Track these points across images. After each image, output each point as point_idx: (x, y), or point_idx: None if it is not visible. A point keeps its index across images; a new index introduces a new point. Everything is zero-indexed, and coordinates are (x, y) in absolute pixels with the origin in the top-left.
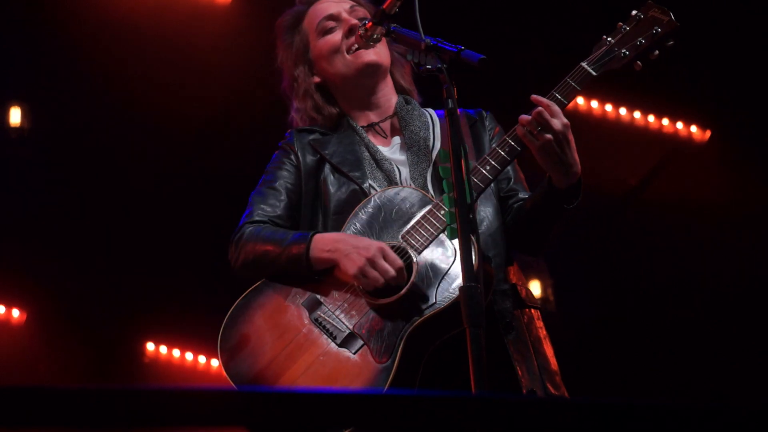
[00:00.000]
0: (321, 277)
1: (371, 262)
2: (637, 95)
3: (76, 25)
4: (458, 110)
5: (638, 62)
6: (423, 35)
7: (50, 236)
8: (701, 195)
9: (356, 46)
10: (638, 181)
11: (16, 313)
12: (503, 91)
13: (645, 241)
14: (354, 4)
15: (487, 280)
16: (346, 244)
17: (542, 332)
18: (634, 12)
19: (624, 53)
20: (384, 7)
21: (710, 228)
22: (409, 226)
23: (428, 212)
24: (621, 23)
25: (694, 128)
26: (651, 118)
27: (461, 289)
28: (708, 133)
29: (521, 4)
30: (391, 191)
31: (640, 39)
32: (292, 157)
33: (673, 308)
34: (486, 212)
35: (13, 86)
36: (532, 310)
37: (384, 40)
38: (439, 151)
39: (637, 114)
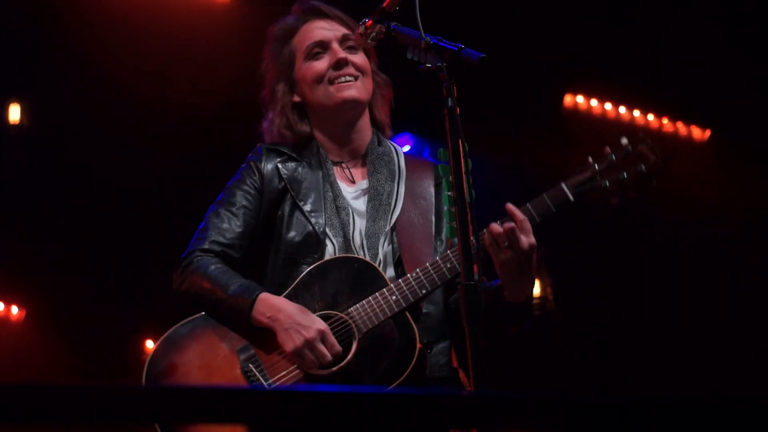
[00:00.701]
0: (262, 328)
1: (309, 344)
2: (637, 94)
3: (76, 23)
4: (424, 157)
5: (616, 198)
6: (423, 34)
7: (49, 233)
8: (701, 194)
9: (341, 78)
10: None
11: (15, 310)
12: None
13: (644, 241)
14: (348, 33)
15: (422, 370)
16: (287, 317)
17: None
18: (624, 141)
19: (605, 184)
20: (384, 5)
21: (709, 226)
22: (357, 302)
23: (380, 294)
24: (609, 149)
25: (693, 128)
26: (651, 117)
27: (460, 287)
28: (708, 133)
29: (521, 3)
30: (351, 259)
31: (624, 173)
32: (257, 178)
33: (672, 306)
34: (436, 295)
35: (12, 83)
36: None
37: (370, 71)
38: (439, 150)
39: (636, 113)
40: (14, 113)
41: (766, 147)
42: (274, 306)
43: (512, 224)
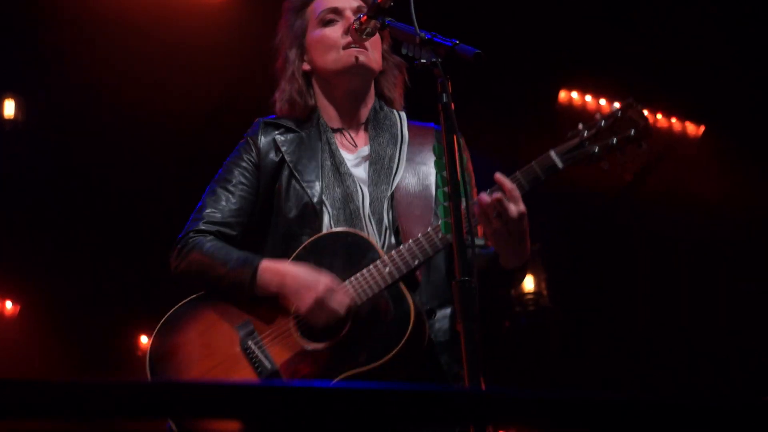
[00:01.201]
0: (262, 302)
1: (319, 302)
2: (632, 90)
3: (71, 19)
4: (428, 125)
5: (606, 162)
6: (418, 29)
7: (44, 229)
8: (695, 189)
9: (352, 44)
10: (633, 176)
11: (9, 305)
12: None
13: (639, 236)
14: (362, 5)
15: (422, 340)
16: (294, 280)
17: None
18: (614, 106)
19: (594, 150)
20: (379, 1)
21: (705, 222)
22: (352, 275)
23: (374, 266)
24: (599, 115)
25: (688, 123)
26: (645, 113)
27: (455, 283)
28: (702, 128)
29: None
30: (344, 233)
31: (613, 139)
32: (253, 153)
33: (667, 302)
34: (437, 261)
35: (7, 78)
36: None
37: (380, 48)
38: (433, 146)
39: None
40: (9, 108)
41: (760, 143)
42: (279, 272)
43: (500, 194)
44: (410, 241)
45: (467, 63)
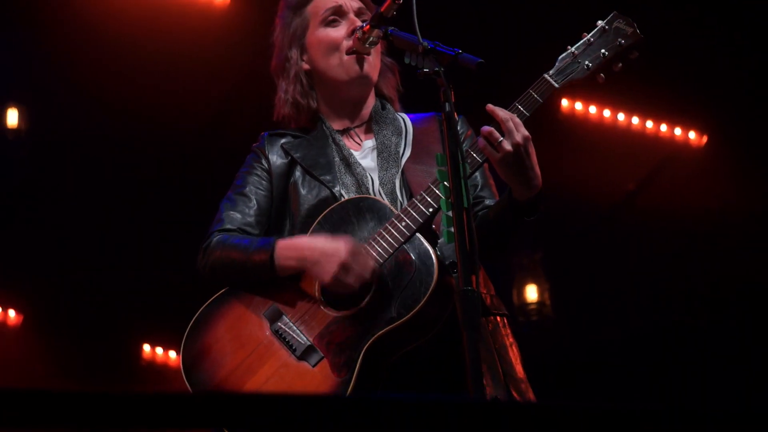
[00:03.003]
0: (283, 287)
1: (345, 268)
2: (636, 100)
3: (74, 27)
4: (428, 114)
5: (601, 74)
6: (421, 38)
7: (47, 238)
8: (698, 199)
9: (354, 48)
10: (636, 186)
11: (12, 314)
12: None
13: (642, 245)
14: (363, 8)
15: (448, 290)
16: (312, 251)
17: (508, 339)
18: (599, 22)
19: (587, 65)
20: (381, 10)
21: (707, 232)
22: (370, 236)
23: (390, 223)
24: (586, 33)
25: (691, 133)
26: (649, 123)
27: (458, 293)
28: (705, 138)
29: (518, 8)
30: (355, 199)
31: (603, 51)
32: (263, 161)
33: (670, 312)
34: None
35: (10, 88)
36: (498, 318)
37: (378, 48)
38: (436, 155)
39: (635, 119)
40: (12, 117)
41: (763, 152)
42: (296, 246)
43: (501, 118)
44: (422, 191)
45: (470, 72)
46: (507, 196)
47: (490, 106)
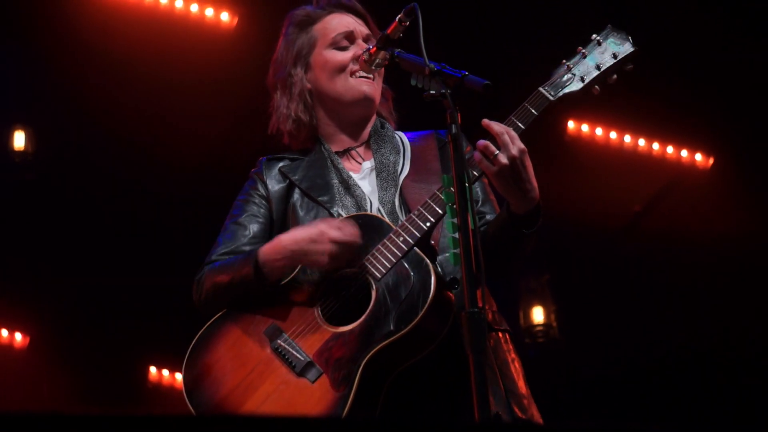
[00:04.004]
0: (283, 305)
1: (334, 242)
2: (642, 122)
3: (81, 50)
4: (427, 132)
5: (596, 87)
6: (427, 60)
7: (53, 260)
8: (705, 222)
9: (360, 72)
10: (642, 208)
11: (19, 337)
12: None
13: (648, 268)
14: (371, 34)
15: (447, 305)
16: (297, 243)
17: (510, 355)
18: (593, 36)
19: (582, 78)
20: (388, 32)
21: (713, 254)
22: (369, 252)
23: (388, 239)
24: (580, 47)
25: (698, 156)
26: (655, 145)
27: (463, 314)
28: (711, 160)
29: (524, 29)
30: (353, 216)
31: (598, 63)
32: (260, 187)
33: (676, 334)
34: None
35: (17, 110)
36: (500, 334)
37: (381, 71)
38: (443, 177)
39: (641, 141)
40: (19, 140)
41: None
42: (278, 246)
43: (496, 132)
44: (419, 206)
45: (476, 94)
46: (505, 209)
47: (485, 121)
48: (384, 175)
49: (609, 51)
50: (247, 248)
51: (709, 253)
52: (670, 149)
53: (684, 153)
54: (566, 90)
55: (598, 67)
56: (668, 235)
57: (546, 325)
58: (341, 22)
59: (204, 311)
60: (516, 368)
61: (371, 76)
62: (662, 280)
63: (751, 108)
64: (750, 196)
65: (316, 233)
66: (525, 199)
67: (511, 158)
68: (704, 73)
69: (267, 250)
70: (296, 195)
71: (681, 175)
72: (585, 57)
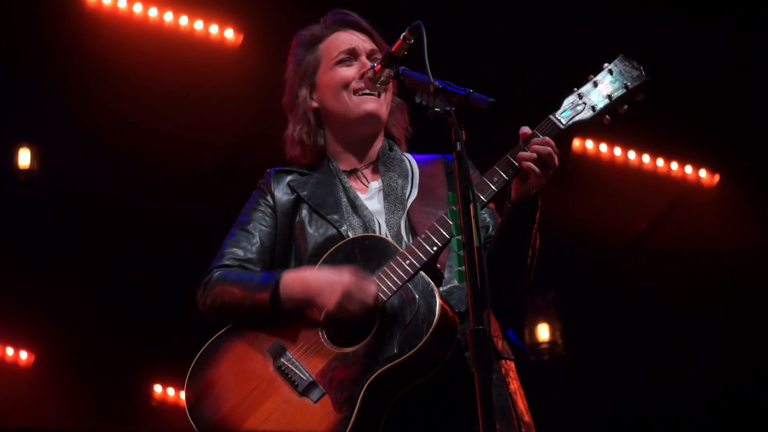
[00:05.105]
0: (287, 323)
1: (348, 295)
2: (646, 139)
3: (86, 68)
4: (434, 156)
5: (607, 116)
6: (432, 78)
7: (58, 278)
8: (710, 239)
9: (365, 90)
10: (647, 225)
11: (24, 355)
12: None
13: (654, 285)
14: (375, 48)
15: (452, 329)
16: (317, 281)
17: (516, 383)
18: (605, 65)
19: (593, 107)
20: (392, 49)
21: (720, 272)
22: (375, 274)
23: (394, 261)
24: (592, 76)
25: (703, 172)
26: (660, 161)
27: (468, 333)
28: (717, 177)
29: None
30: (361, 238)
31: (609, 93)
32: (268, 197)
33: (683, 353)
34: None
35: (22, 128)
36: (508, 362)
37: (390, 87)
38: (447, 194)
39: (646, 158)
40: (24, 158)
41: None
42: (301, 278)
43: (551, 146)
44: (426, 230)
45: (481, 111)
46: (507, 203)
47: (525, 128)
48: (392, 198)
49: (620, 80)
50: (255, 257)
51: (715, 270)
52: (674, 166)
53: (689, 170)
54: (577, 118)
55: (609, 97)
56: (674, 253)
57: (551, 342)
58: (345, 39)
59: (206, 316)
60: (522, 397)
61: (375, 93)
62: (668, 297)
63: (756, 125)
64: (756, 213)
65: (335, 278)
66: (530, 188)
67: (554, 167)
68: (709, 89)
69: (289, 278)
70: (304, 211)
71: (686, 192)
72: (596, 86)
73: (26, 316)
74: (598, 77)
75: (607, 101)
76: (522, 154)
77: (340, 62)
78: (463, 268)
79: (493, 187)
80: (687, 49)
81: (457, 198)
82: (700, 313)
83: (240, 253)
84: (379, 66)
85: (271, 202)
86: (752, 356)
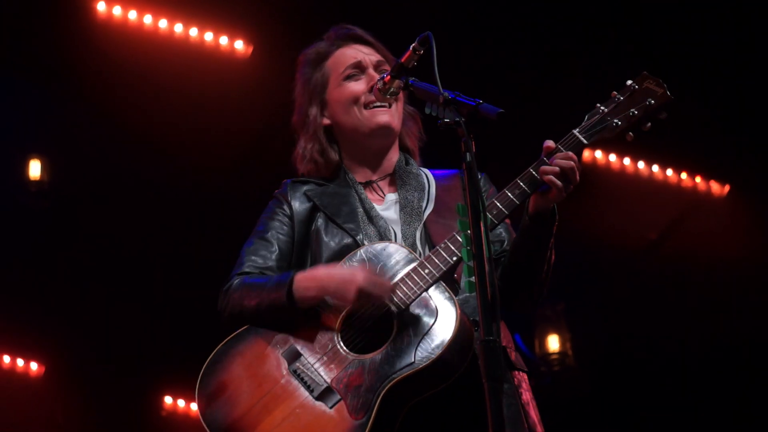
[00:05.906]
0: (303, 327)
1: (364, 291)
2: (656, 149)
3: (97, 80)
4: (452, 172)
5: (630, 133)
6: (441, 88)
7: (69, 289)
8: (720, 249)
9: (376, 102)
10: (657, 235)
11: (34, 366)
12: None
13: (664, 296)
14: (382, 59)
15: (468, 340)
16: (332, 279)
17: (528, 395)
18: (629, 82)
19: (616, 123)
20: (402, 60)
21: (729, 282)
22: (393, 281)
23: (412, 270)
24: (615, 92)
25: (712, 183)
26: (669, 172)
27: (479, 343)
28: (727, 188)
29: (537, 59)
30: (378, 246)
31: (632, 110)
32: (285, 207)
33: (692, 363)
34: None
35: (33, 140)
36: (521, 373)
37: (401, 97)
38: (457, 205)
39: (655, 168)
40: (35, 169)
41: None
42: (315, 277)
43: (573, 160)
44: (446, 240)
45: (490, 122)
46: (525, 215)
47: (559, 152)
48: (408, 209)
49: (643, 98)
50: (274, 265)
51: (725, 280)
52: (684, 176)
53: (699, 180)
54: (600, 134)
55: (632, 114)
56: (684, 263)
57: (561, 353)
58: (350, 53)
59: (227, 322)
60: (534, 409)
61: (387, 104)
62: (678, 307)
63: (766, 135)
64: (766, 223)
65: (350, 275)
66: (547, 203)
67: (575, 184)
68: (719, 100)
69: (302, 277)
70: (320, 220)
71: (696, 203)
72: (619, 103)
73: (36, 326)
74: (621, 94)
75: (630, 118)
76: (544, 167)
77: (348, 77)
78: (473, 278)
79: (514, 199)
80: (697, 60)
81: (467, 208)
82: (711, 323)
83: (259, 261)
84: (389, 77)
85: (288, 212)
86: (765, 369)
